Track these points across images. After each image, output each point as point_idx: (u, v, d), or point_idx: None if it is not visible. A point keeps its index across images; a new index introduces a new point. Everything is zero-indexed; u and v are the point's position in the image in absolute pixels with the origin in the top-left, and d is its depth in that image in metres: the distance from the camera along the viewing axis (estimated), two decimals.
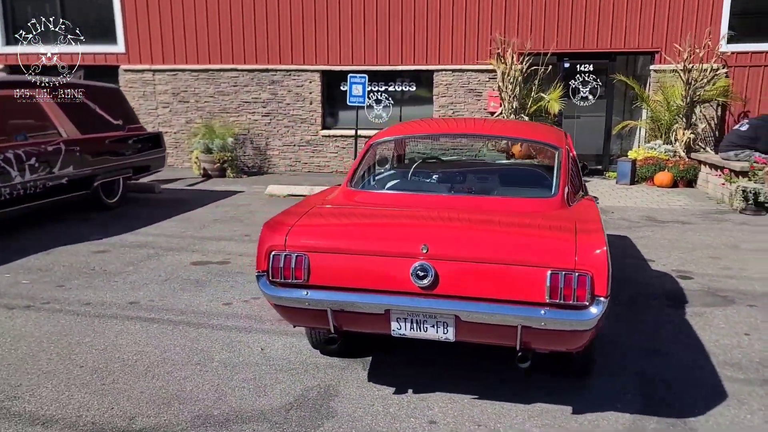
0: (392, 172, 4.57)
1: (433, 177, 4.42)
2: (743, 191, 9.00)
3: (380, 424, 3.39)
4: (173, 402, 3.61)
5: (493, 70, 12.69)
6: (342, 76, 13.47)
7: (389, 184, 4.33)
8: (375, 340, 4.12)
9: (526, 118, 11.83)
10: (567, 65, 12.73)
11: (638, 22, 12.20)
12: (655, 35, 12.25)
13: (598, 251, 3.03)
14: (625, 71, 12.78)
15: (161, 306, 5.21)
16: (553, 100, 11.65)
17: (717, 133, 12.15)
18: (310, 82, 13.75)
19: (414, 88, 13.57)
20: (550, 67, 12.07)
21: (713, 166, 10.46)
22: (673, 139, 11.63)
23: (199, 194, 10.88)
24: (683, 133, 11.41)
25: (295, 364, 4.12)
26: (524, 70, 11.78)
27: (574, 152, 4.47)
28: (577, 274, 2.99)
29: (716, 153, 11.04)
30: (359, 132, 12.98)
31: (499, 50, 12.08)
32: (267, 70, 13.83)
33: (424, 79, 13.40)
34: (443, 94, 13.25)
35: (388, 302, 3.23)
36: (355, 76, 11.00)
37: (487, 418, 3.45)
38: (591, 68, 12.71)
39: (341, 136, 13.83)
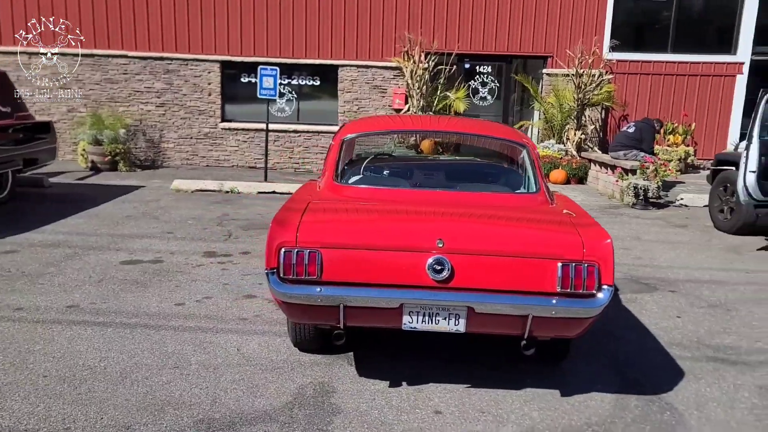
0: (372, 167, 4.57)
1: (414, 173, 4.48)
2: (635, 188, 9.84)
3: (388, 417, 3.41)
4: (167, 408, 3.42)
5: (398, 68, 12.91)
6: (243, 66, 13.15)
7: (372, 179, 4.33)
8: (353, 334, 4.09)
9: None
10: (467, 66, 13.22)
11: (532, 29, 12.92)
12: (547, 42, 13.03)
13: (604, 243, 3.24)
14: (521, 74, 13.47)
15: (106, 309, 4.87)
16: (458, 99, 12.06)
17: (602, 134, 13.16)
18: (209, 73, 13.28)
19: (318, 83, 13.50)
20: (455, 67, 12.49)
21: (603, 165, 11.32)
22: (565, 138, 12.45)
23: (96, 189, 10.19)
24: (575, 134, 12.25)
25: (278, 363, 4.03)
26: (431, 68, 12.09)
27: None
28: (585, 264, 3.18)
29: (605, 152, 11.95)
30: (261, 126, 12.74)
31: (407, 48, 12.31)
32: (162, 59, 13.18)
33: (329, 74, 13.37)
34: (348, 89, 13.29)
35: (403, 297, 3.26)
36: (266, 68, 10.77)
37: (487, 405, 3.58)
38: (489, 70, 13.29)
39: (243, 129, 13.48)
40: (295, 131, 13.40)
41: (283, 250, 3.29)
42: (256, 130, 13.40)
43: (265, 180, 10.97)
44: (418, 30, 12.75)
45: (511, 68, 13.40)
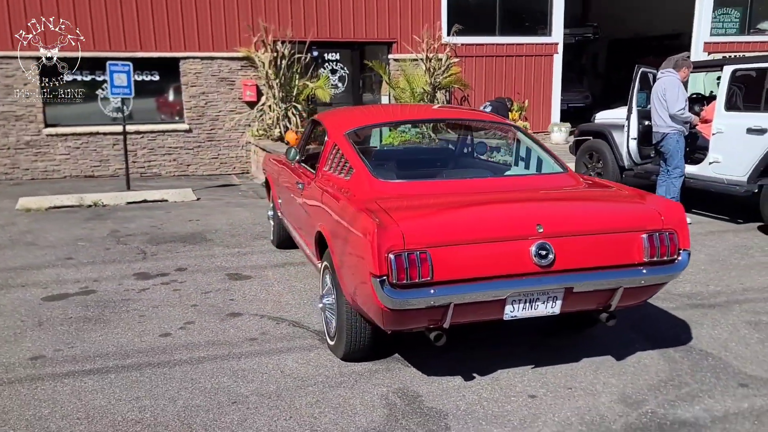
0: (390, 160, 4.37)
1: (441, 162, 4.38)
2: None
3: (494, 409, 3.37)
4: None
5: (246, 58, 12.37)
6: (68, 62, 11.64)
7: (409, 174, 4.16)
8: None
9: (299, 106, 11.87)
10: (315, 54, 13.06)
11: (376, 16, 13.12)
12: (390, 28, 13.34)
13: (677, 210, 3.49)
14: (374, 61, 13.62)
15: (82, 354, 4.14)
16: (320, 88, 11.88)
17: None
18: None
19: (158, 78, 12.44)
20: (309, 55, 12.27)
21: None
22: None
23: None
24: None
25: (336, 377, 3.75)
26: (288, 57, 11.76)
27: None
28: (667, 233, 3.41)
29: None
30: (96, 129, 11.55)
31: (262, 37, 11.83)
32: None
33: (170, 68, 12.38)
34: (193, 83, 12.45)
35: (511, 287, 3.23)
36: (116, 64, 9.64)
37: (567, 380, 3.68)
38: (338, 57, 13.27)
39: (73, 134, 12.03)
40: (138, 132, 12.24)
41: (392, 255, 3.05)
42: (91, 134, 12.06)
43: (128, 188, 9.91)
44: (262, 18, 12.28)
45: (358, 55, 13.50)
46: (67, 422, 3.29)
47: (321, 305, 4.14)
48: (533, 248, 3.21)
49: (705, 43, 15.81)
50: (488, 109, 11.82)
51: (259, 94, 12.65)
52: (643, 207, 3.56)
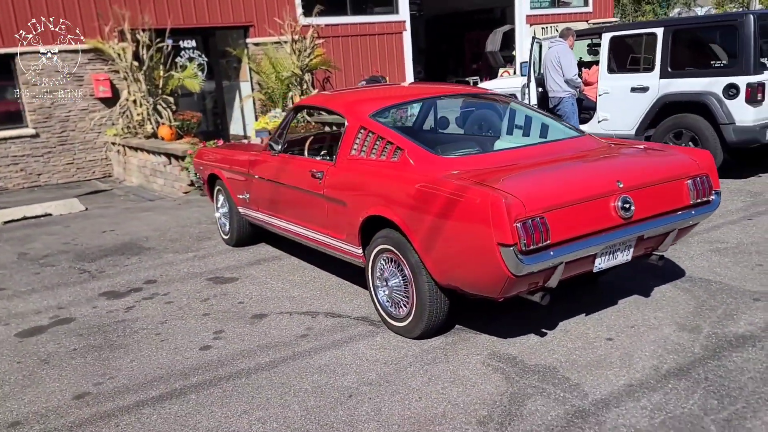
0: (426, 137, 4.37)
1: (489, 133, 4.48)
2: None
3: (590, 357, 3.65)
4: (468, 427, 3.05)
5: (95, 50, 11.27)
6: None
7: (457, 146, 4.22)
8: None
9: (171, 99, 11.10)
10: (171, 41, 12.23)
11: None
12: (246, 11, 12.90)
13: (707, 156, 4.00)
14: (238, 49, 13.07)
15: (132, 383, 3.73)
16: (188, 78, 11.20)
17: None
18: None
19: None
20: (169, 44, 11.48)
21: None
22: (290, 105, 12.69)
23: None
24: (299, 99, 12.59)
25: (423, 355, 3.79)
26: (151, 47, 10.91)
27: None
28: (705, 177, 3.91)
29: None
30: None
31: (120, 26, 10.82)
32: None
33: (4, 66, 10.88)
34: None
35: (605, 240, 3.51)
36: None
37: (622, 321, 4.07)
38: (194, 44, 12.58)
39: None
40: None
41: (519, 223, 3.18)
42: None
43: None
44: (108, 4, 11.24)
45: (215, 41, 12.91)
46: None
47: (383, 290, 4.11)
48: (618, 203, 3.52)
49: (527, 15, 17.34)
50: None
51: (114, 89, 11.61)
52: (682, 156, 4.02)
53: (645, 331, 3.91)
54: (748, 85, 7.17)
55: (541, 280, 3.47)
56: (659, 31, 7.85)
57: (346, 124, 4.47)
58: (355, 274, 5.07)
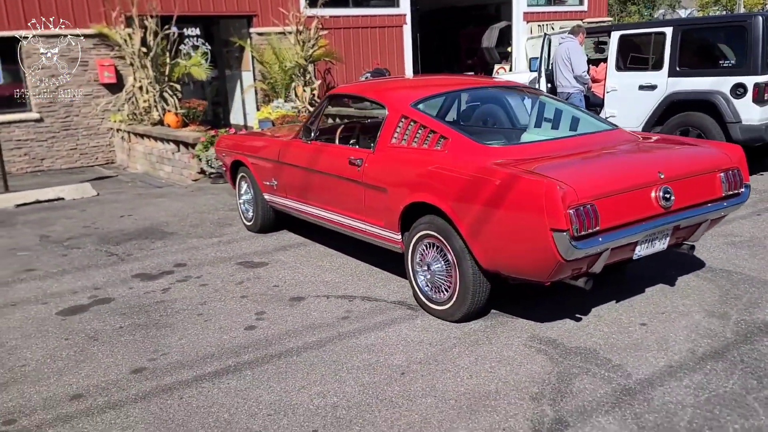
0: (468, 127, 4.51)
1: (509, 127, 4.62)
2: None
3: (627, 340, 3.80)
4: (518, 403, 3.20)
5: (100, 35, 11.24)
6: None
7: (496, 136, 4.35)
8: None
9: (177, 86, 11.11)
10: (175, 29, 12.22)
11: None
12: (250, 1, 12.92)
13: (739, 151, 4.18)
14: (229, 36, 13.09)
15: (186, 359, 3.83)
16: (195, 66, 11.22)
17: (327, 88, 13.82)
18: None
19: None
20: (175, 31, 11.48)
21: (349, 116, 12.09)
22: (294, 96, 12.75)
23: None
24: (303, 90, 12.66)
25: (466, 337, 3.93)
26: (159, 34, 10.91)
27: None
28: (736, 170, 4.09)
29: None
30: None
31: (129, 12, 10.80)
32: None
33: (8, 49, 10.80)
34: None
35: (646, 228, 3.68)
36: None
37: (653, 307, 4.25)
38: (198, 32, 12.58)
39: None
40: None
41: (572, 210, 3.33)
42: None
43: (7, 190, 8.63)
44: None
45: (218, 30, 12.92)
46: (263, 420, 3.11)
47: (422, 275, 4.24)
48: (660, 193, 3.68)
49: (524, 12, 17.53)
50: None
51: (118, 75, 11.60)
52: (715, 150, 4.20)
53: (676, 317, 4.08)
54: (756, 85, 7.40)
55: (585, 266, 3.63)
56: (668, 31, 8.05)
57: (386, 113, 4.58)
58: (385, 260, 5.21)
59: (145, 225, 6.91)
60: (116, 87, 11.58)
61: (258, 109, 13.12)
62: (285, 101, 12.62)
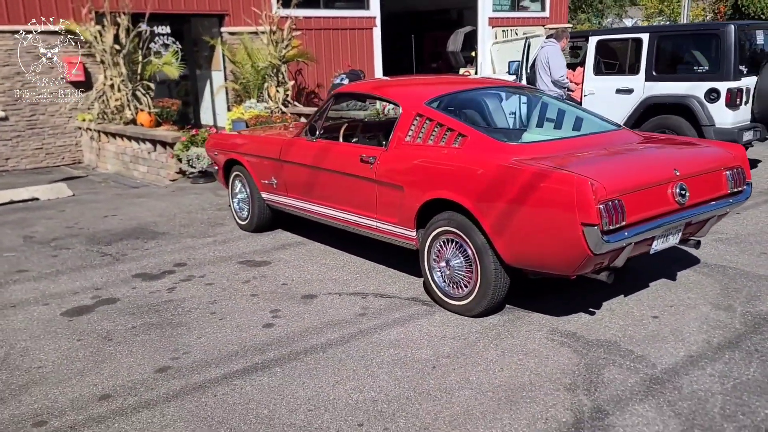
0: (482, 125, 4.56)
1: (540, 123, 4.72)
2: None
3: (643, 332, 3.93)
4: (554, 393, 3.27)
5: (69, 32, 10.92)
6: None
7: (510, 134, 4.43)
8: None
9: (151, 85, 10.87)
10: (145, 26, 11.97)
11: None
12: (222, 0, 12.77)
13: (742, 150, 4.37)
14: (199, 35, 12.88)
15: (208, 357, 3.78)
16: (167, 64, 11.01)
17: (298, 89, 13.73)
18: None
19: None
20: (148, 29, 11.24)
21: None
22: (267, 96, 12.64)
23: None
24: (276, 91, 12.56)
25: (487, 331, 4.00)
26: (131, 31, 10.67)
27: None
28: (740, 169, 4.27)
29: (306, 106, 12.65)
30: None
31: (101, 8, 10.52)
32: None
33: None
34: (5, 62, 10.64)
35: (665, 223, 3.81)
36: None
37: (660, 301, 4.39)
38: (169, 30, 12.34)
39: None
40: None
41: (601, 205, 3.43)
42: None
43: None
44: None
45: (189, 28, 12.71)
46: (304, 415, 3.10)
47: (439, 271, 4.28)
48: (676, 189, 3.82)
49: (489, 18, 17.80)
50: (345, 81, 12.10)
51: (87, 73, 11.29)
52: (720, 150, 4.37)
53: (684, 310, 4.24)
54: (729, 90, 7.72)
55: (607, 260, 3.73)
56: (645, 37, 8.33)
57: (400, 111, 4.61)
58: (389, 258, 5.25)
59: (132, 225, 6.75)
60: (84, 85, 11.27)
61: (229, 110, 12.97)
62: (258, 101, 12.51)
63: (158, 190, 8.61)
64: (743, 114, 7.92)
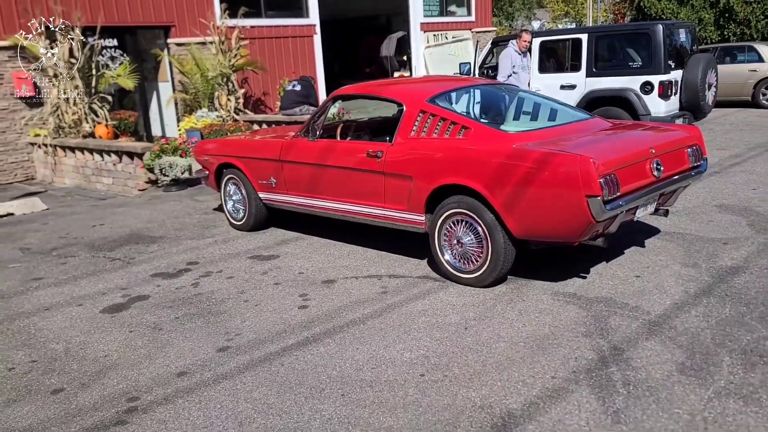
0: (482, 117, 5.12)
1: (528, 114, 5.31)
2: None
3: (634, 288, 4.59)
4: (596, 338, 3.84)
5: (15, 47, 10.81)
6: None
7: (508, 125, 5.01)
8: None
9: (109, 97, 10.89)
10: (92, 40, 11.95)
11: None
12: (167, 11, 12.89)
13: (699, 130, 5.12)
14: (144, 47, 12.93)
15: (261, 337, 4.16)
16: (120, 76, 11.06)
17: (245, 97, 13.93)
18: None
19: None
20: (99, 43, 11.25)
21: (278, 123, 12.39)
22: (217, 105, 12.84)
23: None
24: (227, 99, 12.79)
25: (501, 297, 4.55)
26: (85, 45, 10.67)
27: None
28: (697, 147, 5.03)
29: (276, 113, 12.94)
30: None
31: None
32: None
33: None
34: None
35: (647, 194, 4.49)
36: None
37: (637, 264, 5.07)
38: (115, 43, 12.35)
39: None
40: None
41: (602, 178, 4.06)
42: None
43: None
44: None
45: (135, 41, 12.75)
46: (370, 372, 3.55)
47: (448, 250, 4.81)
48: (654, 164, 4.51)
49: (421, 23, 18.56)
50: (298, 88, 12.47)
51: (37, 88, 11.18)
52: (681, 131, 5.11)
53: (659, 269, 4.94)
54: (660, 82, 8.66)
55: (602, 228, 4.36)
56: (584, 37, 9.19)
57: (404, 109, 5.12)
58: (389, 245, 5.75)
59: (126, 232, 6.93)
60: (35, 100, 11.15)
61: (179, 120, 13.09)
62: (209, 110, 12.70)
63: (133, 200, 8.74)
64: (674, 104, 8.89)
